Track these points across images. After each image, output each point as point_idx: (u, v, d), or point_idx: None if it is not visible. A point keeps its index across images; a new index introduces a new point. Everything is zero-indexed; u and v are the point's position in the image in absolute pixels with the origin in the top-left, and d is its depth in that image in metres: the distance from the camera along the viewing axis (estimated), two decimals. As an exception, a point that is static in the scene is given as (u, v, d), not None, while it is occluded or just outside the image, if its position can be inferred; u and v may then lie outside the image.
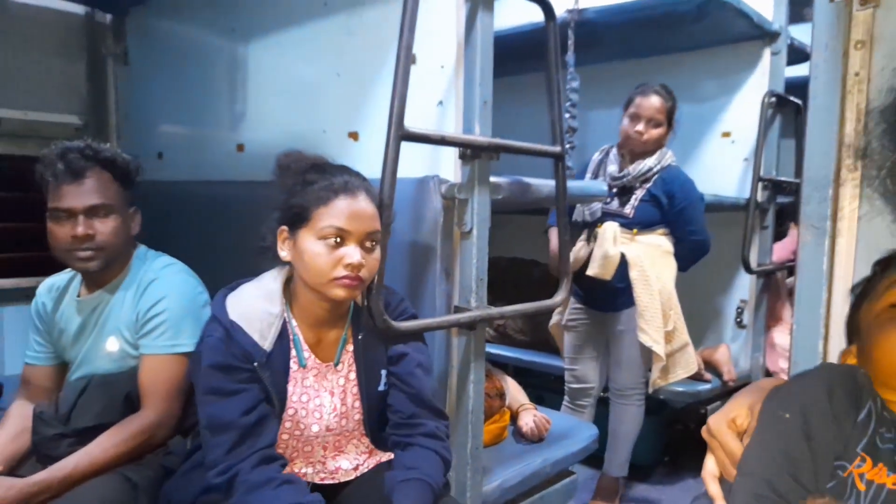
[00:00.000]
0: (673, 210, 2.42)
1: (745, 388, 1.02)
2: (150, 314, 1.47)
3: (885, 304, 0.89)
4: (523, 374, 2.98)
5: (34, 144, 2.48)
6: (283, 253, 1.26)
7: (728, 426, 0.92)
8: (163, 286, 1.50)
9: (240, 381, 1.21)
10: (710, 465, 0.94)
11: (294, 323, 1.30)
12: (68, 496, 1.28)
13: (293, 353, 1.29)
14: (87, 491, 1.29)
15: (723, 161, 2.98)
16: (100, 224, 1.46)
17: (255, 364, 1.22)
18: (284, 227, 1.26)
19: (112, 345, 1.51)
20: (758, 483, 0.82)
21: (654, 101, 2.39)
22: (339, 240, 1.20)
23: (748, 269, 2.77)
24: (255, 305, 1.26)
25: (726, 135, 2.98)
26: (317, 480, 1.32)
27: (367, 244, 1.23)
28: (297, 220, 1.23)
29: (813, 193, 1.08)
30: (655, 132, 2.41)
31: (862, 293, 0.97)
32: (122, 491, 1.32)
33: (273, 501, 1.13)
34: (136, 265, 1.56)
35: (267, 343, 1.24)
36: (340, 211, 1.20)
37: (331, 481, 1.33)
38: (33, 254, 2.45)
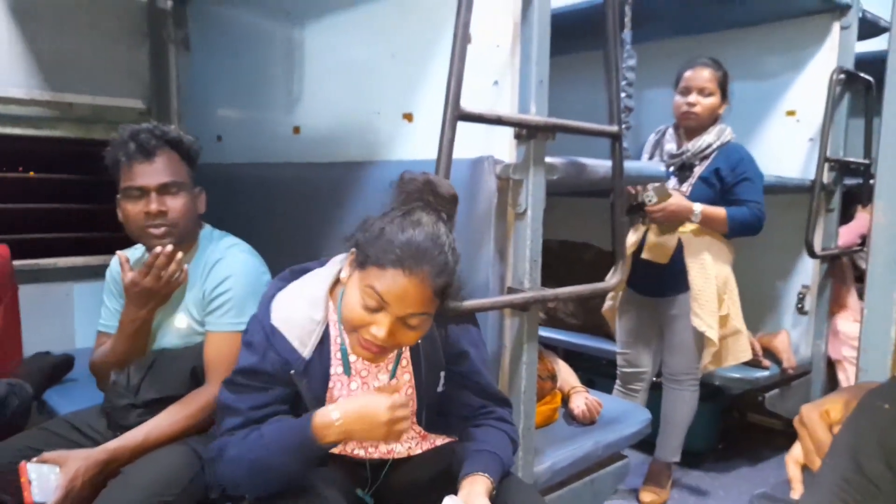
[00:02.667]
0: (736, 180, 2.33)
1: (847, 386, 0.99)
2: (215, 293, 1.52)
3: None
4: (574, 358, 2.95)
5: (101, 128, 2.59)
6: (344, 273, 1.23)
7: (820, 417, 0.90)
8: (228, 266, 1.54)
9: (265, 384, 1.21)
10: (795, 451, 0.92)
11: (341, 327, 1.25)
12: (138, 464, 1.35)
13: (338, 357, 1.26)
14: (156, 460, 1.36)
15: (787, 141, 2.86)
16: (171, 201, 1.52)
17: (293, 372, 1.21)
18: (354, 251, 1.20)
19: (181, 321, 1.58)
20: (848, 465, 0.80)
21: (702, 72, 2.34)
22: (377, 306, 1.12)
23: (812, 254, 2.66)
24: (298, 311, 1.23)
25: (791, 113, 2.86)
26: (375, 456, 1.34)
27: (412, 322, 1.14)
28: (360, 258, 1.17)
29: (889, 170, 1.03)
30: (708, 102, 2.35)
31: None
32: (188, 460, 1.38)
33: (261, 438, 1.15)
34: (203, 244, 1.62)
35: (307, 350, 1.22)
36: (389, 283, 1.10)
37: (385, 458, 1.35)
38: (102, 234, 2.57)
